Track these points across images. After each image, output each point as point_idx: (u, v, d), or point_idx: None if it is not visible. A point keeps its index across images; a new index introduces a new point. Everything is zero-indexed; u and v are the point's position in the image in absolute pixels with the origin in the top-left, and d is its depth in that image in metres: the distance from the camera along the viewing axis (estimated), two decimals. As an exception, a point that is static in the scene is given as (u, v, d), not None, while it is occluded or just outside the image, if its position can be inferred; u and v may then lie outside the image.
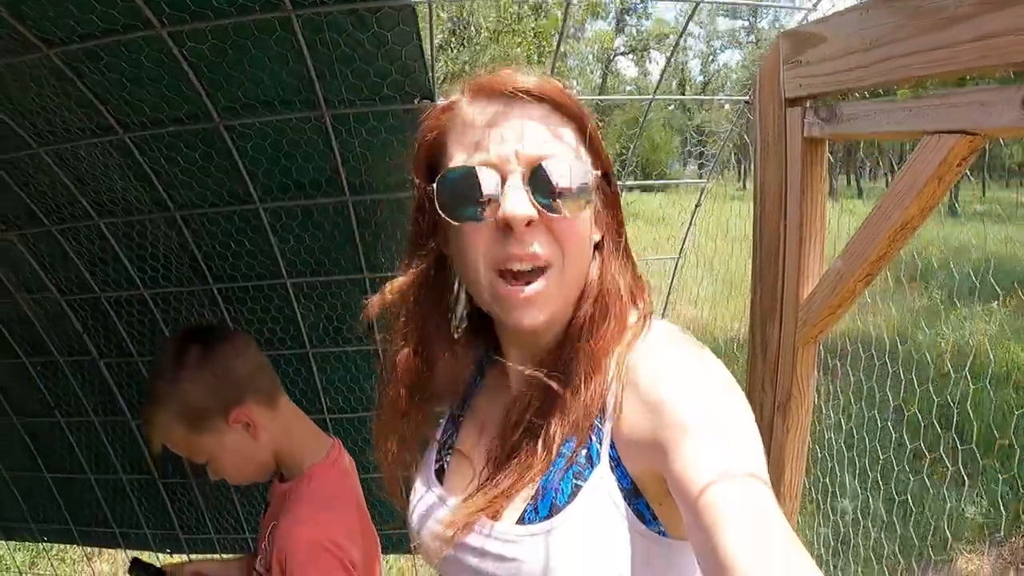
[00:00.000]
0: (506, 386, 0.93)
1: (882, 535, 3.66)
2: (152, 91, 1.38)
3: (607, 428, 0.81)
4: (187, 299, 1.93)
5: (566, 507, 0.79)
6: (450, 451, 0.96)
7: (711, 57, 37.45)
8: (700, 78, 36.77)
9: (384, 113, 1.41)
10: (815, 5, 1.75)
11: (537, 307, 0.81)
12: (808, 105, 1.34)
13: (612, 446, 0.80)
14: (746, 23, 38.30)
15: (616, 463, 0.80)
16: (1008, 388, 5.70)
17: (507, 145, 0.80)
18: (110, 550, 3.86)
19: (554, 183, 0.79)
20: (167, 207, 1.64)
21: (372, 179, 1.62)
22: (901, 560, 3.45)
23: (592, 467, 0.80)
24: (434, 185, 0.82)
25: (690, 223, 2.49)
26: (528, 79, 0.81)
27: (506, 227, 0.78)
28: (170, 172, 1.55)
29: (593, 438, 0.81)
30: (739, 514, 0.62)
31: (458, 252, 0.85)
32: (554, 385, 0.83)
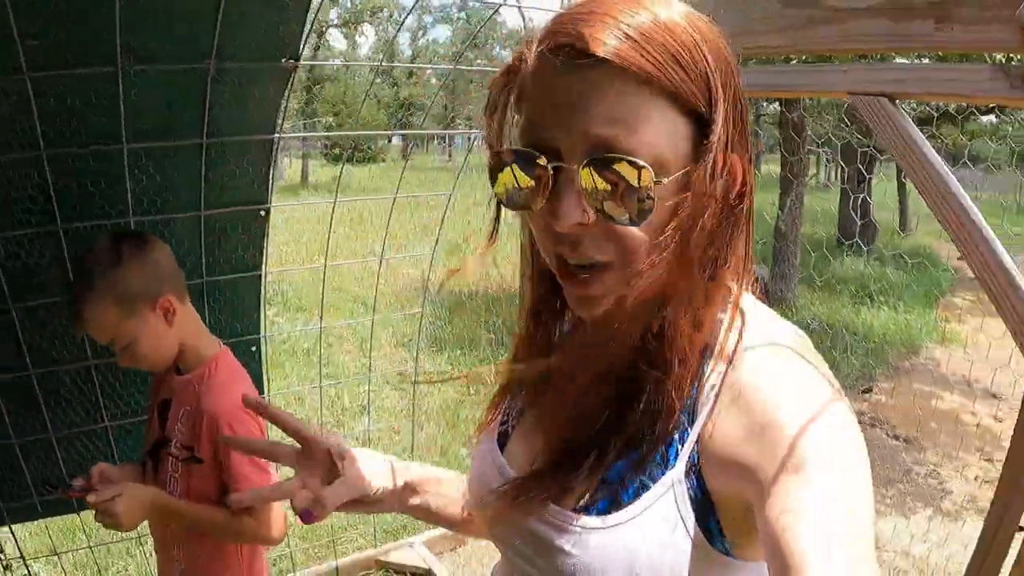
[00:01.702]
0: (590, 360, 0.84)
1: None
2: (74, 33, 1.65)
3: (695, 429, 0.73)
4: (28, 243, 2.10)
5: (628, 505, 0.74)
6: (521, 415, 0.91)
7: (421, 32, 38.38)
8: (409, 52, 37.53)
9: (258, 69, 1.84)
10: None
11: (594, 304, 0.74)
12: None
13: (695, 451, 0.73)
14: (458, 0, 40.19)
15: (694, 470, 0.73)
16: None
17: (563, 127, 0.68)
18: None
19: (614, 181, 0.66)
20: (38, 147, 1.90)
21: (223, 124, 2.03)
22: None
23: (666, 468, 0.74)
24: (488, 162, 0.75)
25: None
26: (603, 38, 0.64)
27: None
28: (56, 114, 1.83)
29: (676, 437, 0.74)
30: None
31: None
32: (637, 374, 0.76)
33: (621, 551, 0.72)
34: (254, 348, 2.73)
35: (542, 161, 0.69)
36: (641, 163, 0.66)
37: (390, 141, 35.15)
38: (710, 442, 0.72)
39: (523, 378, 0.90)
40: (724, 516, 0.73)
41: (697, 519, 0.72)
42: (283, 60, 1.86)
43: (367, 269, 9.21)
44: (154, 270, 1.71)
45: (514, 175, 0.72)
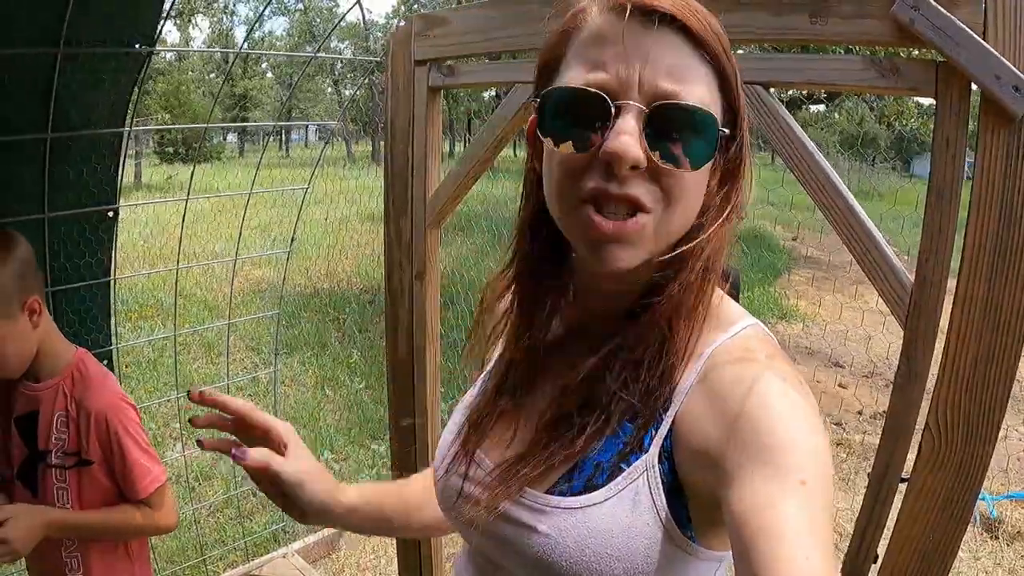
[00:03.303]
0: (573, 340, 0.87)
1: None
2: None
3: (669, 416, 0.76)
4: None
5: (601, 488, 0.76)
6: (496, 397, 0.91)
7: (258, 24, 37.36)
8: (245, 45, 36.70)
9: (107, 55, 1.74)
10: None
11: (626, 247, 0.73)
12: (430, 66, 2.02)
13: (668, 437, 0.76)
14: (296, -8, 39.21)
15: (667, 456, 0.76)
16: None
17: (632, 70, 0.70)
18: None
19: (677, 129, 0.70)
20: None
21: (70, 117, 1.91)
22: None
23: (641, 453, 0.76)
24: (537, 100, 0.76)
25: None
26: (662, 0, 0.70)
27: (608, 164, 0.70)
28: None
29: (652, 422, 0.77)
30: None
31: (549, 178, 0.77)
32: (624, 356, 0.78)
33: (593, 531, 0.74)
34: (105, 362, 2.60)
35: (607, 103, 0.70)
36: (710, 112, 0.71)
37: (225, 138, 34.19)
38: (682, 430, 0.75)
39: (513, 354, 0.89)
40: (693, 504, 0.75)
41: (668, 504, 0.75)
42: (137, 46, 1.76)
43: (208, 271, 8.87)
44: (22, 268, 1.61)
45: (572, 112, 0.72)
